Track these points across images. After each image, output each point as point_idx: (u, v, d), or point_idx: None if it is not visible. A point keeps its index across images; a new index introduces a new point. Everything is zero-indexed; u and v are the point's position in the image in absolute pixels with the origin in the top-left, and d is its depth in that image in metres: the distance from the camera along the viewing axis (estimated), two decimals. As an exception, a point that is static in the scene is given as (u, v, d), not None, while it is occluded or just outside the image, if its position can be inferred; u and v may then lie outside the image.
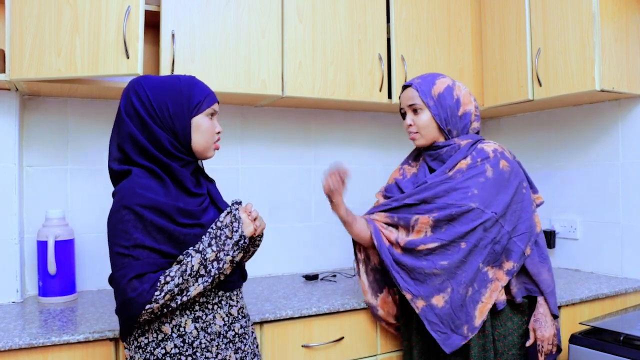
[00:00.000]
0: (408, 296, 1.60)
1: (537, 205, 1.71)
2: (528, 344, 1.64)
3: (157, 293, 1.15)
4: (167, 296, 1.16)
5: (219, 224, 1.25)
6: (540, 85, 2.17)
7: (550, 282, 1.65)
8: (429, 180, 1.64)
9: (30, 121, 1.95)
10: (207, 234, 1.24)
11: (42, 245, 1.81)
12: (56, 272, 1.80)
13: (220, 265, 1.21)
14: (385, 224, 1.70)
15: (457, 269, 1.57)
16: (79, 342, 1.43)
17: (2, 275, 1.82)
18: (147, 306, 1.15)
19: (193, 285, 1.19)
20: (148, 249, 1.17)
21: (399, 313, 1.78)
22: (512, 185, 1.63)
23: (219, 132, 1.35)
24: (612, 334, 1.67)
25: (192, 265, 1.18)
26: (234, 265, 1.26)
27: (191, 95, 1.28)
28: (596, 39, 1.99)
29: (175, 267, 1.18)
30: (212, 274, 1.20)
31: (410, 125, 1.68)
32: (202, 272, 1.19)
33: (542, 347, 1.64)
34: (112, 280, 1.19)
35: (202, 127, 1.29)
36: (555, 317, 1.66)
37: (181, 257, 1.21)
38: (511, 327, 1.66)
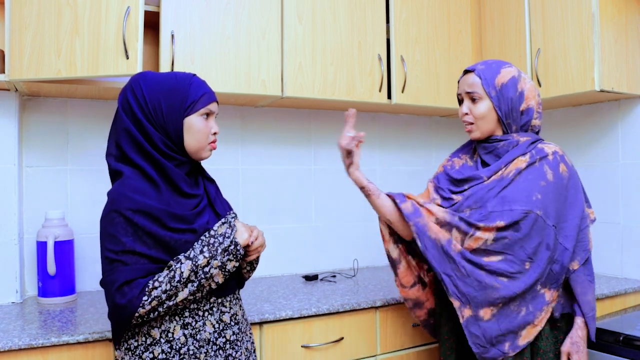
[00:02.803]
0: (456, 303, 1.48)
1: (591, 221, 1.57)
2: None
3: (144, 298, 1.14)
4: (155, 302, 1.15)
5: (212, 232, 1.24)
6: (540, 85, 2.17)
7: (593, 306, 1.52)
8: (484, 174, 1.52)
9: (30, 122, 1.95)
10: (200, 241, 1.22)
11: (41, 246, 1.81)
12: (56, 272, 1.80)
13: (207, 270, 1.19)
14: (438, 221, 1.52)
15: (515, 287, 1.45)
16: (79, 343, 1.43)
17: (1, 276, 1.82)
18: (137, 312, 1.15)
19: (182, 290, 1.17)
20: (137, 254, 1.16)
21: (427, 286, 1.67)
22: (571, 195, 1.51)
23: (215, 133, 1.31)
24: (612, 334, 1.67)
25: (182, 272, 1.17)
26: (227, 274, 1.24)
27: (186, 95, 1.26)
28: (596, 39, 1.99)
29: (164, 273, 1.17)
30: (200, 277, 1.19)
31: (467, 114, 1.54)
32: (192, 278, 1.18)
33: None
34: (102, 284, 1.19)
35: (194, 128, 1.26)
36: (592, 343, 1.55)
37: (171, 262, 1.19)
38: (547, 346, 1.52)
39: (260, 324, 1.65)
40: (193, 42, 1.86)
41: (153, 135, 1.23)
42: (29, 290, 1.92)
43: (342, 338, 1.78)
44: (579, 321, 1.52)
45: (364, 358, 1.82)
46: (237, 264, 1.25)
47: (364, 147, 2.56)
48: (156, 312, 1.17)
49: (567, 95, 2.11)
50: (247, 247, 1.28)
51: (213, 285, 1.23)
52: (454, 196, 1.57)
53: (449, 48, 2.37)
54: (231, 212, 1.32)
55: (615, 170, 2.28)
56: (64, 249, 1.83)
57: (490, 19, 2.40)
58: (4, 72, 1.67)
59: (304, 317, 1.71)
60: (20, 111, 1.89)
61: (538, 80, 2.17)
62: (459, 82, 1.60)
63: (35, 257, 1.88)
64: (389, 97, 2.24)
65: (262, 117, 2.34)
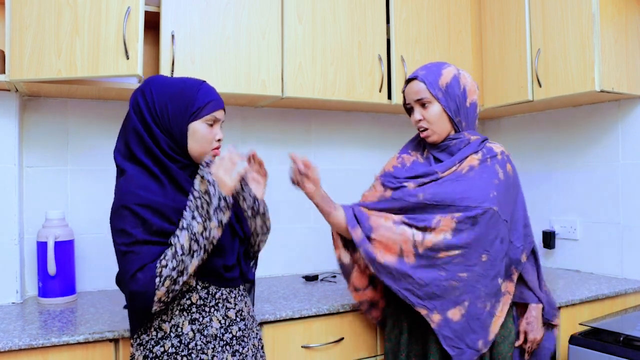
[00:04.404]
0: (423, 312, 1.50)
1: None
2: (517, 344, 1.64)
3: (157, 280, 1.15)
4: (167, 281, 1.16)
5: (195, 193, 1.22)
6: (540, 86, 2.17)
7: (541, 284, 1.66)
8: (438, 169, 1.54)
9: (30, 122, 1.95)
10: (187, 207, 1.21)
11: (41, 246, 1.81)
12: (56, 272, 1.80)
13: (208, 234, 1.20)
14: (395, 221, 1.56)
15: (476, 282, 1.49)
16: (79, 343, 1.43)
17: (1, 276, 1.82)
18: (154, 295, 1.16)
19: (190, 263, 1.19)
20: (146, 243, 1.18)
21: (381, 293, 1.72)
22: (516, 192, 1.61)
23: (219, 140, 1.33)
24: (612, 335, 1.67)
25: (182, 244, 1.18)
26: (223, 228, 1.23)
27: (192, 100, 1.28)
28: (596, 39, 1.99)
29: (167, 252, 1.18)
30: (202, 244, 1.20)
31: (421, 120, 1.57)
32: (195, 247, 1.19)
33: (531, 348, 1.65)
34: (118, 278, 1.22)
35: (197, 134, 1.28)
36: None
37: (170, 239, 1.19)
38: (504, 334, 1.59)
39: (261, 324, 1.65)
40: (193, 42, 1.86)
41: (159, 137, 1.26)
42: (29, 291, 1.92)
43: (342, 338, 1.78)
44: (532, 304, 1.64)
45: (364, 358, 1.82)
46: (230, 213, 1.26)
47: (364, 147, 2.57)
48: (174, 291, 1.19)
49: (567, 96, 2.11)
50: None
51: (214, 242, 1.23)
52: (406, 183, 1.58)
53: (449, 48, 2.37)
54: (202, 164, 1.26)
55: (615, 170, 2.28)
56: (64, 249, 1.83)
57: (490, 19, 2.40)
58: (4, 73, 1.67)
59: (304, 318, 1.71)
60: (20, 111, 1.89)
61: (538, 81, 2.17)
62: (403, 92, 1.63)
63: (35, 257, 1.88)
64: (389, 97, 2.24)
65: (262, 117, 2.34)
